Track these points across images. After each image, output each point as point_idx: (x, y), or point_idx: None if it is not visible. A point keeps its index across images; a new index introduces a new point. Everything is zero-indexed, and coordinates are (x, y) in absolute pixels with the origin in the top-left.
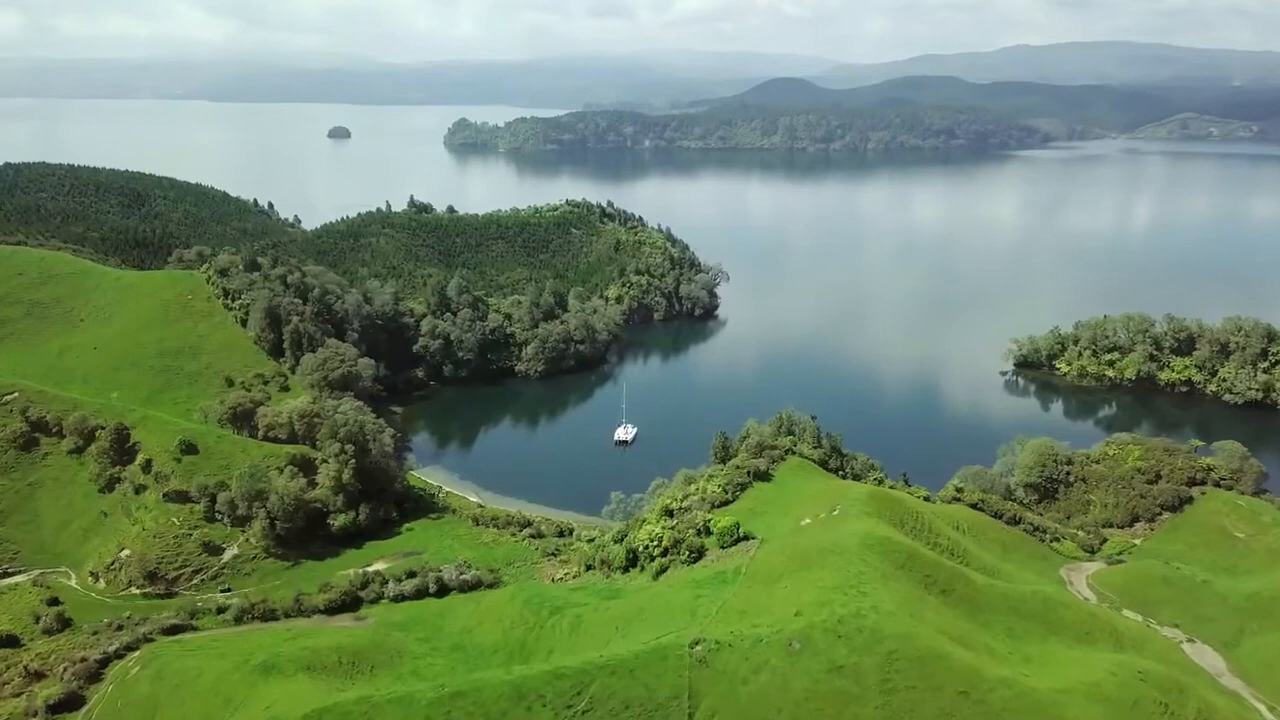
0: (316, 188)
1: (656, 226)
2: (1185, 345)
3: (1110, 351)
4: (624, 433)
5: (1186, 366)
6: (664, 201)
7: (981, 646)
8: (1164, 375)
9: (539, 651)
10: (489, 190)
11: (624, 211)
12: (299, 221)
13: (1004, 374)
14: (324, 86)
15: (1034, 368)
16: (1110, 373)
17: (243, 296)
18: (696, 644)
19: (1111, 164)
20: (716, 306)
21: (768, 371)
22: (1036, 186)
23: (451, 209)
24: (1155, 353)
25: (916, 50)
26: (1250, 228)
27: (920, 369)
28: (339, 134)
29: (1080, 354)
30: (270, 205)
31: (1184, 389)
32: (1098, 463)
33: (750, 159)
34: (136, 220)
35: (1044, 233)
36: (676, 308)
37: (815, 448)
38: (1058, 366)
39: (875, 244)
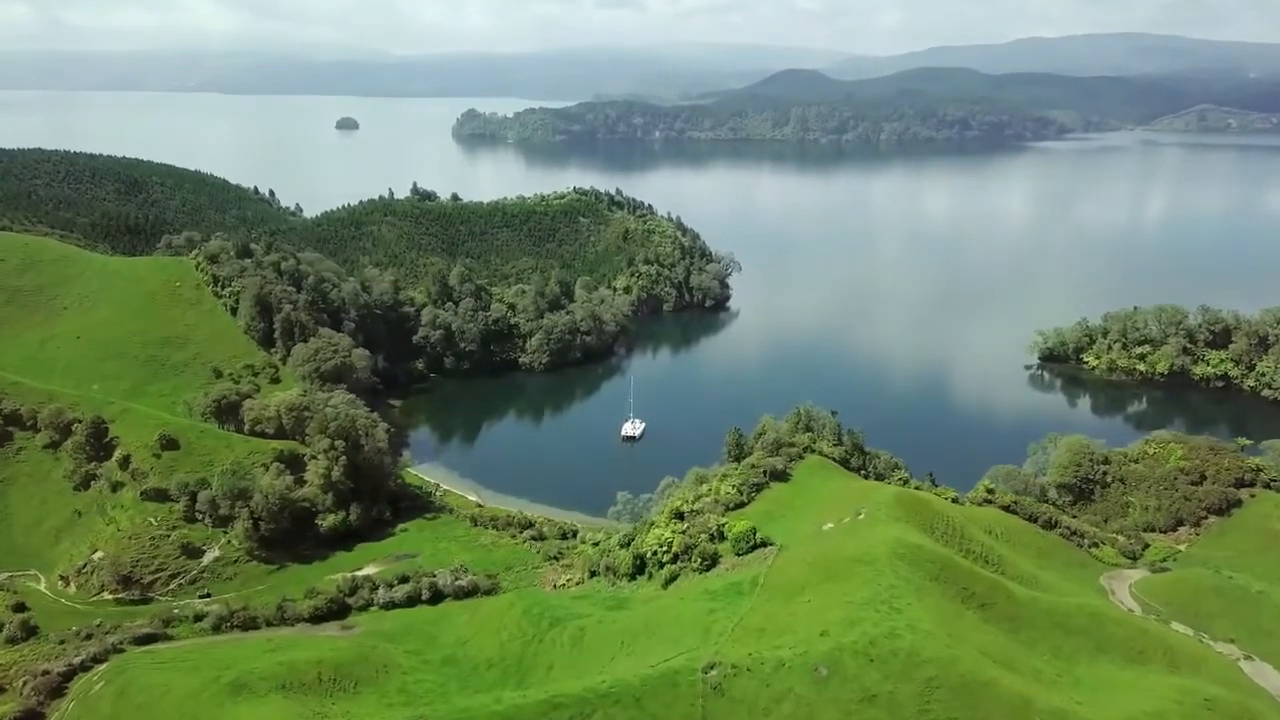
0: (322, 178)
1: (666, 215)
2: (1220, 338)
3: (1141, 344)
4: (632, 428)
5: (1222, 360)
6: (674, 193)
7: (1027, 669)
8: (1198, 369)
9: (537, 668)
10: (497, 180)
11: (633, 200)
12: (300, 210)
13: (1028, 367)
14: (334, 79)
15: (1060, 361)
16: (1141, 367)
17: (233, 284)
18: (711, 668)
19: (1130, 155)
20: (728, 297)
21: (782, 365)
22: (1055, 178)
23: (455, 197)
24: (1189, 346)
25: (929, 42)
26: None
27: (940, 362)
28: (347, 125)
29: (1109, 347)
30: (271, 193)
31: (1219, 384)
32: (1136, 462)
33: (761, 150)
34: (133, 208)
35: (1064, 224)
36: (687, 298)
37: (835, 445)
38: (1085, 360)
39: (891, 236)
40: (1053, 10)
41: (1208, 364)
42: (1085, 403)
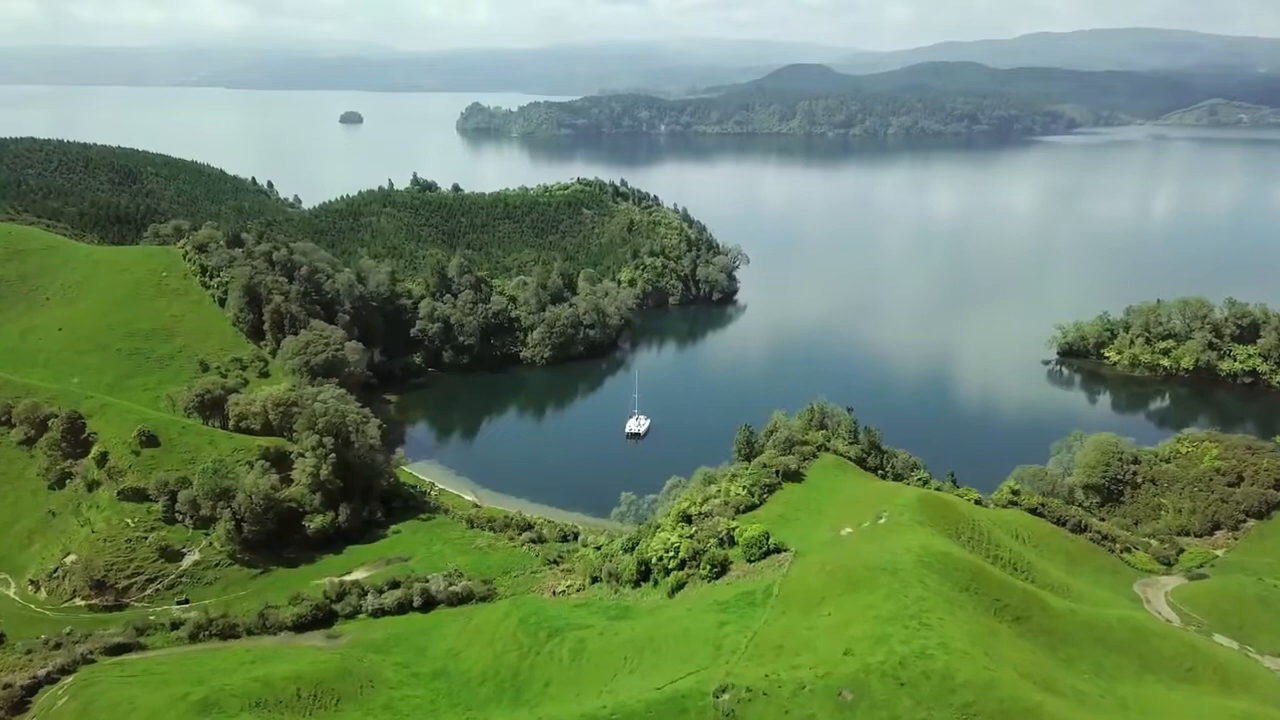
0: (324, 171)
1: (672, 207)
2: (1248, 333)
3: (1165, 339)
4: (636, 425)
5: (1250, 356)
6: (680, 186)
7: (1069, 691)
8: (1225, 365)
9: (534, 683)
10: (500, 174)
11: (638, 191)
12: (299, 201)
13: (1046, 363)
14: (338, 74)
15: (1079, 356)
16: (1165, 362)
17: (222, 274)
18: (723, 691)
19: (1142, 149)
20: (736, 290)
21: (792, 360)
22: (1066, 172)
23: (456, 187)
24: (1215, 340)
25: (936, 38)
26: None
27: (954, 357)
28: (351, 119)
29: (1132, 341)
30: (269, 184)
31: (1247, 380)
32: (1168, 461)
33: (768, 144)
34: (127, 198)
35: (1077, 218)
36: (693, 291)
37: (851, 443)
38: (1106, 355)
39: (901, 230)
40: (1059, 6)
41: (1235, 359)
42: (1106, 399)
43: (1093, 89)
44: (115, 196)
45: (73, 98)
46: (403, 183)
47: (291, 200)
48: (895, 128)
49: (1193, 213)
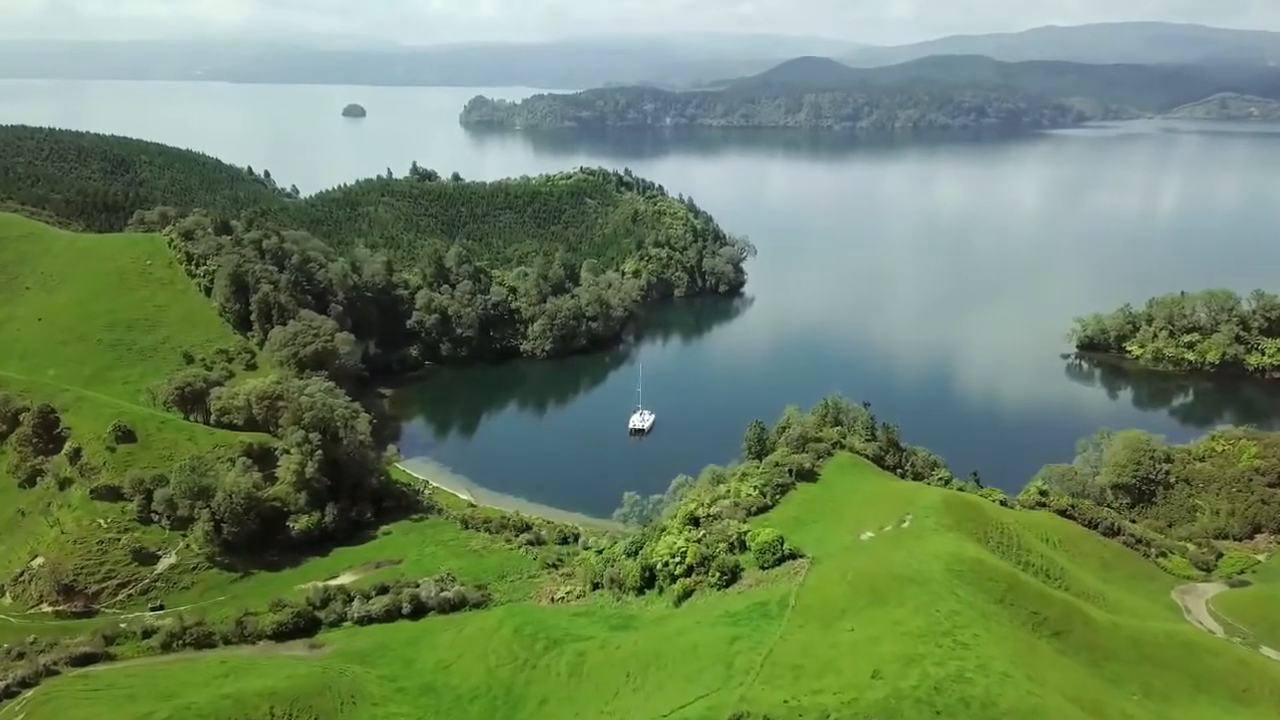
0: (326, 162)
1: (678, 196)
2: (1277, 325)
3: (1189, 332)
4: (640, 420)
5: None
6: (686, 179)
7: (1118, 715)
8: (1253, 359)
9: (529, 700)
10: (504, 166)
11: (642, 180)
12: (296, 191)
13: (1065, 357)
14: (342, 68)
15: (1100, 350)
16: (1190, 356)
17: (209, 262)
18: None
19: (1153, 143)
20: (743, 283)
21: (803, 354)
22: (1077, 165)
23: (456, 176)
24: (1242, 333)
25: (942, 32)
26: None
27: (970, 352)
28: (354, 112)
29: (1155, 335)
30: (266, 174)
31: (1277, 375)
32: (1202, 460)
33: (774, 137)
34: (119, 187)
35: (1090, 211)
36: (699, 283)
37: (868, 440)
38: (1128, 349)
39: (911, 223)
40: (1067, 0)
41: (1263, 353)
42: (1128, 395)
43: (1101, 82)
44: (106, 185)
45: (74, 91)
46: (402, 173)
47: (288, 190)
48: (903, 121)
49: (1208, 206)
